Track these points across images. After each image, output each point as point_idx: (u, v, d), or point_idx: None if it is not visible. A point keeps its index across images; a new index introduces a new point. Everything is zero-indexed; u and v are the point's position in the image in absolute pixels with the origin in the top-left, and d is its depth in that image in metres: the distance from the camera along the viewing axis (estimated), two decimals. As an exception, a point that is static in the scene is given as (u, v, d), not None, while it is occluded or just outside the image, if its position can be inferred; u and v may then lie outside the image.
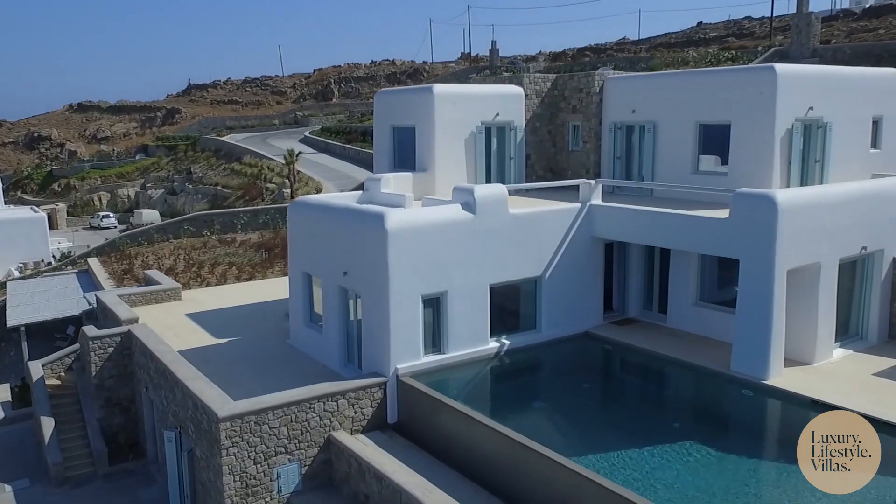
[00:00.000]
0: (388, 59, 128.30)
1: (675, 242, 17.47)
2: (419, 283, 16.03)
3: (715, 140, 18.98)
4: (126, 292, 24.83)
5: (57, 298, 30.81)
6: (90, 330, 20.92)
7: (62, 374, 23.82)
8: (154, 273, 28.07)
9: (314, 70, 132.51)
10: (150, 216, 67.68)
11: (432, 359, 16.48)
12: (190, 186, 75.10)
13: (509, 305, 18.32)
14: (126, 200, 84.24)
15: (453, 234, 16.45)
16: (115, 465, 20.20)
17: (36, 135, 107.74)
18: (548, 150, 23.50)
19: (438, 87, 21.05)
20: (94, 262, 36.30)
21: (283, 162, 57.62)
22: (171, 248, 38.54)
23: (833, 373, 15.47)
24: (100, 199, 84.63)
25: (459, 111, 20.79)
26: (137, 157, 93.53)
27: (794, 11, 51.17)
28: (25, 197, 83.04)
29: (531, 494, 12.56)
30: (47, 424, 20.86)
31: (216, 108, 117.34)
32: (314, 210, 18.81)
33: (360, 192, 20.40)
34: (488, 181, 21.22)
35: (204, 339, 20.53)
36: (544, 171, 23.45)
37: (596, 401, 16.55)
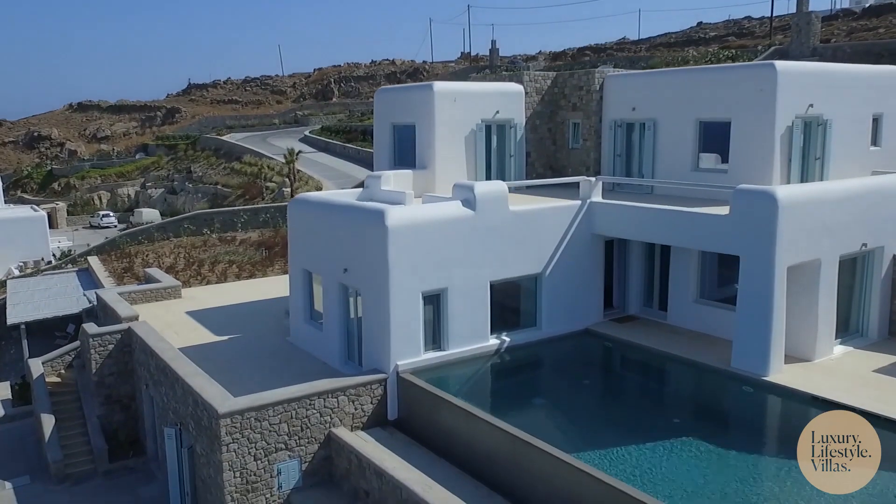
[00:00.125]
0: (387, 59, 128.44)
1: (676, 239, 17.47)
2: (419, 279, 16.03)
3: (715, 137, 18.96)
4: (126, 290, 24.84)
5: (57, 296, 30.82)
6: (90, 327, 20.93)
7: (62, 371, 23.83)
8: (154, 271, 28.09)
9: (314, 70, 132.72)
10: (150, 215, 67.71)
11: (432, 355, 16.48)
12: (190, 185, 75.12)
13: (510, 302, 18.32)
14: (126, 200, 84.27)
15: (454, 231, 16.45)
16: (115, 463, 20.21)
17: (36, 134, 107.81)
18: (548, 147, 23.50)
19: (438, 85, 21.05)
20: (94, 261, 36.30)
21: (284, 161, 57.63)
22: (171, 247, 38.56)
23: (833, 369, 15.46)
24: (100, 199, 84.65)
25: (459, 109, 20.78)
26: (137, 157, 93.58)
27: (794, 11, 51.16)
28: (25, 196, 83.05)
29: (531, 491, 12.56)
30: (47, 421, 20.86)
31: (216, 107, 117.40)
32: (314, 207, 18.80)
33: (360, 189, 20.41)
34: (488, 179, 21.19)
35: (204, 336, 20.53)
36: (544, 168, 23.45)
37: (596, 397, 16.54)
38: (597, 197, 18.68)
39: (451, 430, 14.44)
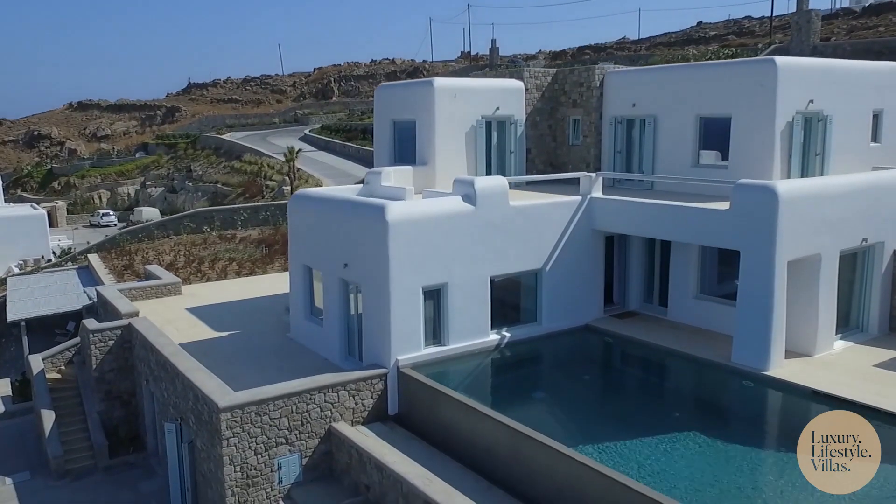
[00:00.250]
0: (387, 58, 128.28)
1: (676, 234, 17.48)
2: (420, 274, 16.03)
3: (715, 133, 18.96)
4: (126, 287, 24.85)
5: (57, 294, 30.81)
6: (91, 323, 20.93)
7: (62, 367, 23.81)
8: (154, 268, 28.10)
9: (314, 69, 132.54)
10: (149, 214, 67.65)
11: (433, 350, 16.49)
12: (190, 184, 75.08)
13: (510, 298, 18.33)
14: (126, 198, 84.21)
15: (454, 227, 16.46)
16: (115, 458, 20.21)
17: (36, 133, 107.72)
18: (548, 144, 23.50)
19: (439, 81, 21.04)
20: (94, 258, 36.30)
21: (284, 159, 57.62)
22: (171, 245, 38.54)
23: (834, 364, 15.47)
24: (100, 198, 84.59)
25: (460, 105, 20.77)
26: (137, 156, 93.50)
27: (794, 11, 51.13)
28: (25, 195, 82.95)
29: (532, 484, 12.57)
30: (48, 417, 20.86)
31: (216, 106, 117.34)
32: (315, 203, 18.80)
33: (360, 185, 20.40)
34: (489, 175, 21.20)
35: (204, 332, 20.54)
36: (545, 165, 23.45)
37: (596, 392, 16.56)
38: (597, 193, 18.68)
39: (452, 425, 14.45)
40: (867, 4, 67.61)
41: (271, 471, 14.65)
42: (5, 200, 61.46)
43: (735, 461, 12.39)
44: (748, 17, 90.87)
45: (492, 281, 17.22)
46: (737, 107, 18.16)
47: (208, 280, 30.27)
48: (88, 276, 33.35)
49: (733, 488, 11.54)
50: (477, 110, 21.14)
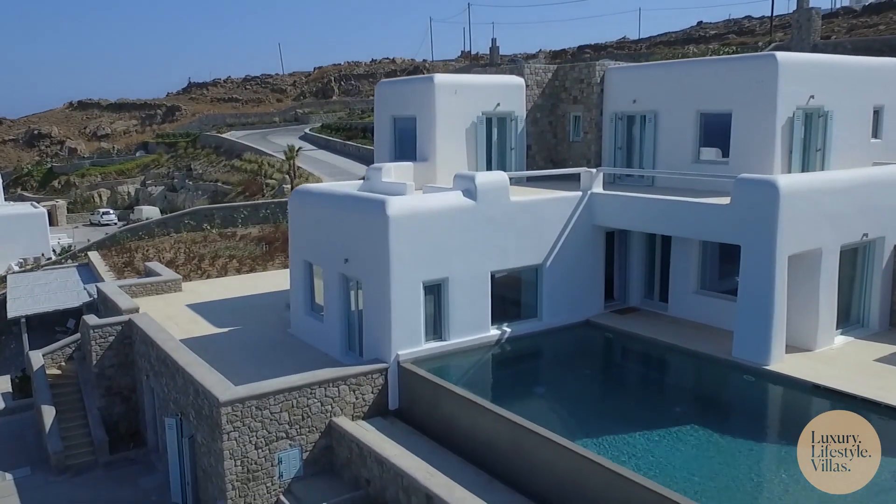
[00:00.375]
0: (388, 58, 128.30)
1: (677, 229, 17.47)
2: (420, 269, 16.02)
3: (716, 129, 18.94)
4: (127, 283, 24.84)
5: (57, 291, 30.79)
6: (91, 319, 20.93)
7: (63, 363, 23.82)
8: (154, 265, 28.10)
9: (314, 68, 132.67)
10: (150, 213, 67.61)
11: (433, 345, 16.48)
12: (190, 183, 75.07)
13: (510, 293, 18.32)
14: (126, 197, 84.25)
15: (454, 221, 16.45)
16: (115, 454, 20.20)
17: (36, 132, 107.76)
18: (549, 140, 23.49)
19: (439, 77, 21.01)
20: (94, 256, 36.25)
21: (284, 158, 57.64)
22: (171, 242, 38.48)
23: (834, 359, 15.47)
24: (100, 196, 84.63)
25: (460, 101, 20.76)
26: (138, 155, 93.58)
27: (795, 10, 51.13)
28: (25, 194, 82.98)
29: (532, 477, 12.56)
30: (48, 413, 20.86)
31: (216, 105, 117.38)
32: (315, 198, 18.80)
33: (361, 181, 20.39)
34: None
35: (204, 328, 20.55)
36: (545, 162, 23.44)
37: (597, 387, 16.53)
38: (598, 188, 18.67)
39: (452, 419, 14.45)
40: (867, 3, 67.60)
41: (272, 465, 14.65)
42: (5, 199, 61.49)
43: (736, 455, 12.38)
44: (748, 17, 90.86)
45: (492, 276, 17.21)
46: (737, 102, 18.16)
47: (208, 277, 30.24)
48: (89, 274, 33.32)
49: (734, 482, 11.52)
50: (477, 106, 21.12)
